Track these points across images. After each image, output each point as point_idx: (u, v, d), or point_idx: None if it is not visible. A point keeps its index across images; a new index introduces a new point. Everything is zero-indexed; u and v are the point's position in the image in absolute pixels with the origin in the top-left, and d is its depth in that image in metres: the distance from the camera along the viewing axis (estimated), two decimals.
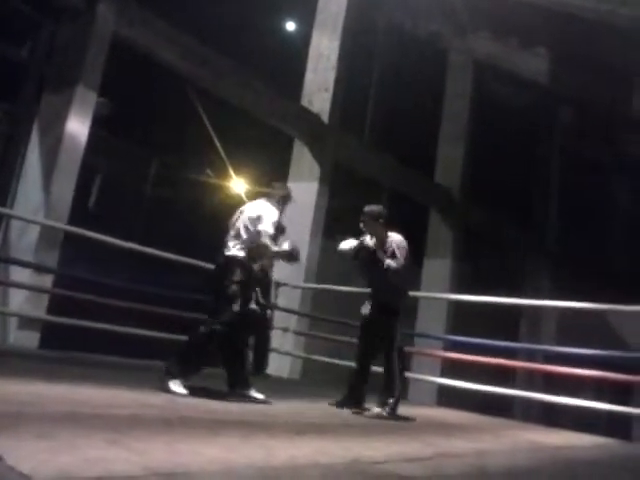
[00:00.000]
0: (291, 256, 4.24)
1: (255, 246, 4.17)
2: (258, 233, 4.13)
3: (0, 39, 6.56)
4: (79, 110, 6.10)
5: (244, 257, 4.15)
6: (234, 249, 4.18)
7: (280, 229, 4.31)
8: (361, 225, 4.61)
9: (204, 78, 7.69)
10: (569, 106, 13.82)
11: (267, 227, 4.13)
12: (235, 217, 4.35)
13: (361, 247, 4.56)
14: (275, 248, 4.18)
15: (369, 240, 4.58)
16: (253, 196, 5.16)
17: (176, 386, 3.85)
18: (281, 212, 4.33)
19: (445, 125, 12.21)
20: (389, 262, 4.39)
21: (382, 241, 4.54)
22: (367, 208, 4.63)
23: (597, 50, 10.40)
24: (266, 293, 7.10)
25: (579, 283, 9.68)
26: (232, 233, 4.27)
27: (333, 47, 9.17)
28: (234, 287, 4.08)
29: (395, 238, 4.58)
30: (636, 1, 8.85)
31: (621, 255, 14.04)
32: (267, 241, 4.13)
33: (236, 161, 10.39)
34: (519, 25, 11.10)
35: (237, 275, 4.10)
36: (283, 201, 4.38)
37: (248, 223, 4.20)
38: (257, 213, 4.20)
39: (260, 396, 4.18)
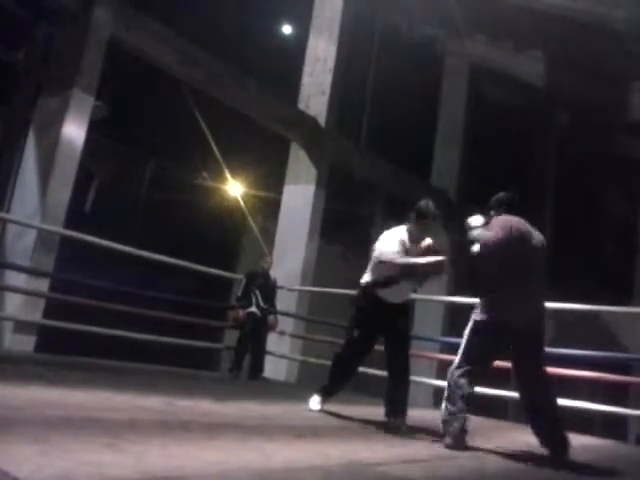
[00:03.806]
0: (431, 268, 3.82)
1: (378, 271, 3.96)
2: (376, 258, 3.97)
3: None
4: (75, 114, 6.10)
5: (366, 283, 4.05)
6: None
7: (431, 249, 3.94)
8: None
9: (200, 80, 7.69)
10: (565, 109, 13.87)
11: (383, 249, 3.90)
12: None
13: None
14: (405, 260, 3.83)
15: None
16: None
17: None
18: (415, 231, 3.97)
19: (441, 128, 12.24)
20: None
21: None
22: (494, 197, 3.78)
23: (593, 53, 10.45)
24: (269, 297, 7.07)
25: (575, 284, 9.69)
26: None
27: (330, 50, 9.19)
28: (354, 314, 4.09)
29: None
30: (631, 4, 8.91)
31: (616, 257, 14.07)
32: (389, 257, 3.83)
33: (233, 164, 10.41)
34: (515, 28, 11.15)
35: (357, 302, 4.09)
36: (415, 219, 3.96)
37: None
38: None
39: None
